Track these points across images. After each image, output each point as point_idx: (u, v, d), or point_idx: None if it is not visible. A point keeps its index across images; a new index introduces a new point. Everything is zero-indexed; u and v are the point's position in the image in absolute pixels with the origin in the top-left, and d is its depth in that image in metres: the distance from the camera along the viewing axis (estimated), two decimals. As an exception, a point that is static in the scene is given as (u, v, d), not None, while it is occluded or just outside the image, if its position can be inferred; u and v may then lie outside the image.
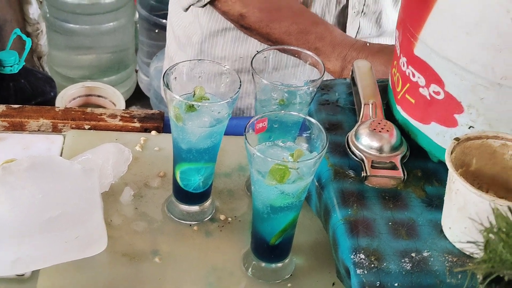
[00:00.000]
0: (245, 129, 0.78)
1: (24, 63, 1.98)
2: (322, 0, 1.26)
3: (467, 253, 0.75)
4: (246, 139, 0.77)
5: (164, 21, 2.47)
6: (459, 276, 0.73)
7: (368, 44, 1.15)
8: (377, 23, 1.41)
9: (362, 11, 1.32)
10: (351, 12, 1.30)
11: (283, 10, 1.17)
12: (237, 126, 0.98)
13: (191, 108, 0.83)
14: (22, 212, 0.83)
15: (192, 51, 1.35)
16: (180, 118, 0.84)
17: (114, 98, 2.15)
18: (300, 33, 1.14)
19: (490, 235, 0.48)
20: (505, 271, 0.46)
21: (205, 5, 1.21)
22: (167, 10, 2.03)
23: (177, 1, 1.35)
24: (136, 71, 2.68)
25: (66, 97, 2.09)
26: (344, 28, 1.32)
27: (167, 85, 0.84)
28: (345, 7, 1.29)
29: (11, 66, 1.94)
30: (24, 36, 1.96)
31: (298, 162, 0.77)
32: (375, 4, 1.33)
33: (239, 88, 0.84)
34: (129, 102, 2.61)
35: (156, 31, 2.50)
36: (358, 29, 1.34)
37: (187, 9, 1.25)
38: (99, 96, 2.17)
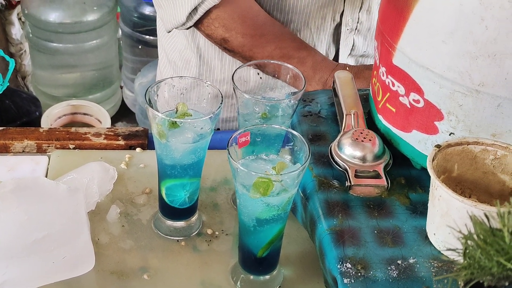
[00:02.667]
0: (228, 144, 0.79)
1: (8, 84, 1.97)
2: (317, 20, 1.27)
3: (452, 259, 0.76)
4: (229, 153, 0.77)
5: (147, 37, 2.48)
6: (445, 281, 0.74)
7: (347, 68, 1.16)
8: (372, 40, 1.42)
9: (356, 28, 1.33)
10: (345, 30, 1.31)
11: (266, 35, 1.18)
12: (221, 140, 0.98)
13: (174, 124, 0.84)
14: (8, 234, 0.83)
15: (190, 75, 1.35)
16: (163, 135, 0.84)
17: (100, 115, 2.15)
18: (282, 57, 1.15)
19: (469, 241, 0.49)
20: (484, 277, 0.47)
21: (188, 28, 1.21)
22: (150, 26, 2.04)
23: (162, 25, 1.34)
24: (121, 87, 2.68)
25: (52, 116, 2.10)
26: (338, 46, 1.33)
27: (149, 103, 0.84)
28: (339, 25, 1.30)
29: (-5, 87, 1.94)
30: (7, 57, 1.96)
31: (281, 174, 0.78)
32: (368, 21, 1.34)
33: (221, 103, 0.85)
34: (115, 119, 2.61)
35: (140, 47, 2.50)
36: (353, 46, 1.35)
37: (169, 31, 1.25)
38: (84, 114, 2.18)
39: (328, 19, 1.27)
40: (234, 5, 1.18)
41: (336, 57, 1.34)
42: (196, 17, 1.17)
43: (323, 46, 1.30)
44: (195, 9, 1.16)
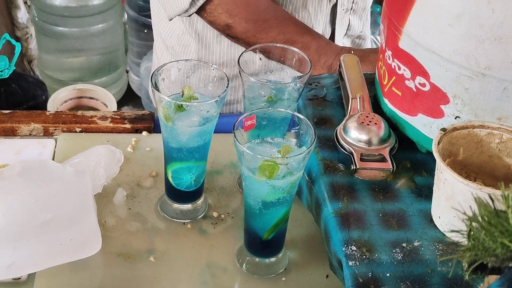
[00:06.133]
0: (233, 127, 0.79)
1: (14, 68, 1.98)
2: (315, 1, 1.26)
3: (456, 241, 0.76)
4: (235, 137, 0.78)
5: (152, 21, 2.47)
6: (450, 264, 0.74)
7: (352, 51, 1.16)
8: (367, 20, 1.42)
9: (351, 8, 1.33)
10: (340, 10, 1.31)
11: (269, 20, 1.17)
12: (227, 123, 0.98)
13: (180, 108, 0.84)
14: (16, 216, 0.83)
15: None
16: (169, 119, 0.85)
17: (106, 99, 2.15)
18: (286, 42, 1.15)
19: (473, 223, 0.49)
20: (488, 258, 0.47)
21: (191, 15, 1.21)
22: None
23: (159, 12, 1.34)
24: (127, 72, 2.68)
25: (58, 100, 2.10)
26: (333, 26, 1.33)
27: (155, 86, 0.84)
28: (335, 5, 1.30)
29: (1, 71, 1.95)
30: (13, 41, 1.97)
31: (287, 157, 0.78)
32: (363, 1, 1.34)
33: (227, 86, 0.85)
34: (121, 103, 2.61)
35: (145, 31, 2.50)
36: (348, 26, 1.35)
37: (171, 19, 1.25)
38: (90, 98, 2.18)
39: (325, 0, 1.27)
40: None
41: (332, 38, 1.35)
42: (200, 3, 1.17)
43: (320, 27, 1.30)
44: None
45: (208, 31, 1.28)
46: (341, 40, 1.36)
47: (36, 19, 2.39)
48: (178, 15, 1.21)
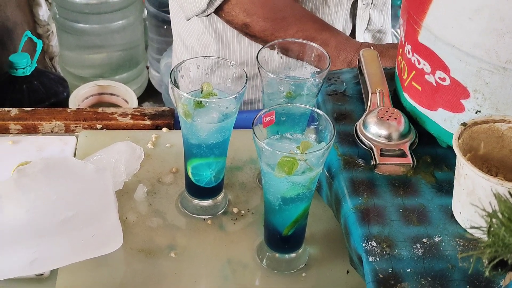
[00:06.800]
0: (253, 123, 0.79)
1: (36, 65, 2.00)
2: None
3: (477, 237, 0.76)
4: (254, 133, 0.78)
5: (172, 17, 2.48)
6: (471, 260, 0.74)
7: (372, 47, 1.15)
8: (388, 14, 1.41)
9: (372, 3, 1.32)
10: (361, 5, 1.30)
11: (287, 18, 1.17)
12: (247, 119, 0.98)
13: (199, 104, 0.84)
14: (38, 213, 0.84)
15: None
16: (189, 115, 0.85)
17: (127, 95, 2.17)
18: (305, 40, 1.14)
19: (493, 219, 0.49)
20: (509, 254, 0.47)
21: (209, 15, 1.21)
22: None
23: (178, 12, 1.33)
24: (147, 68, 2.70)
25: (79, 96, 2.12)
26: (354, 21, 1.32)
27: (174, 83, 0.85)
28: (355, 0, 1.29)
29: (23, 68, 1.97)
30: (35, 38, 1.98)
31: (306, 153, 0.78)
32: None
33: (246, 83, 0.85)
34: (141, 99, 2.63)
35: (165, 27, 2.51)
36: (369, 20, 1.34)
37: (189, 19, 1.25)
38: (111, 94, 2.20)
39: None
40: None
41: (353, 33, 1.34)
42: (217, 3, 1.17)
43: (341, 22, 1.30)
44: None
45: (228, 31, 1.28)
46: (362, 35, 1.35)
47: (57, 16, 2.41)
48: (196, 15, 1.21)
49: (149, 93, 2.69)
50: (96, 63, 2.51)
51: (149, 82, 2.70)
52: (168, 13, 2.49)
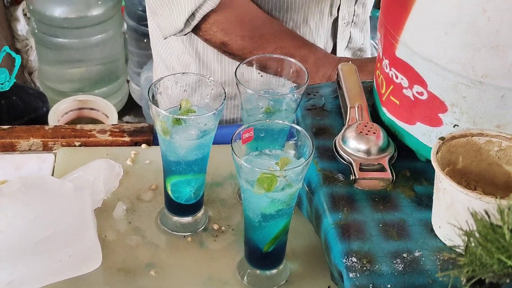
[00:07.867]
0: (231, 140, 0.79)
1: (15, 80, 1.98)
2: (316, 16, 1.26)
3: (455, 256, 0.76)
4: (233, 149, 0.78)
5: (152, 30, 2.47)
6: (451, 275, 0.74)
7: (350, 61, 1.16)
8: (368, 32, 1.42)
9: (352, 21, 1.33)
10: (341, 23, 1.31)
11: (265, 36, 1.17)
12: (226, 134, 0.98)
13: (177, 121, 0.84)
14: (15, 233, 0.83)
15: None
16: (167, 132, 0.85)
17: (107, 110, 2.15)
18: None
19: (471, 238, 0.49)
20: (486, 274, 0.46)
21: (186, 34, 1.20)
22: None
23: (158, 32, 1.33)
24: (128, 81, 2.69)
25: (59, 111, 2.10)
26: (335, 39, 1.33)
27: (152, 100, 0.84)
28: (336, 19, 1.30)
29: (2, 84, 1.95)
30: (13, 53, 1.96)
31: (285, 170, 0.78)
32: (364, 14, 1.34)
33: (224, 99, 0.85)
34: (122, 113, 2.61)
35: (145, 40, 2.50)
36: (350, 38, 1.35)
37: (166, 38, 1.24)
38: (91, 109, 2.18)
39: (326, 14, 1.27)
40: (231, 8, 1.17)
41: (333, 51, 1.34)
42: (194, 22, 1.17)
43: (322, 41, 1.30)
44: (193, 14, 1.15)
45: (208, 50, 1.28)
46: (342, 53, 1.36)
47: (36, 30, 2.39)
48: (174, 35, 1.21)
49: (130, 107, 2.67)
50: (76, 77, 2.50)
51: (130, 96, 2.69)
52: (148, 27, 2.49)
